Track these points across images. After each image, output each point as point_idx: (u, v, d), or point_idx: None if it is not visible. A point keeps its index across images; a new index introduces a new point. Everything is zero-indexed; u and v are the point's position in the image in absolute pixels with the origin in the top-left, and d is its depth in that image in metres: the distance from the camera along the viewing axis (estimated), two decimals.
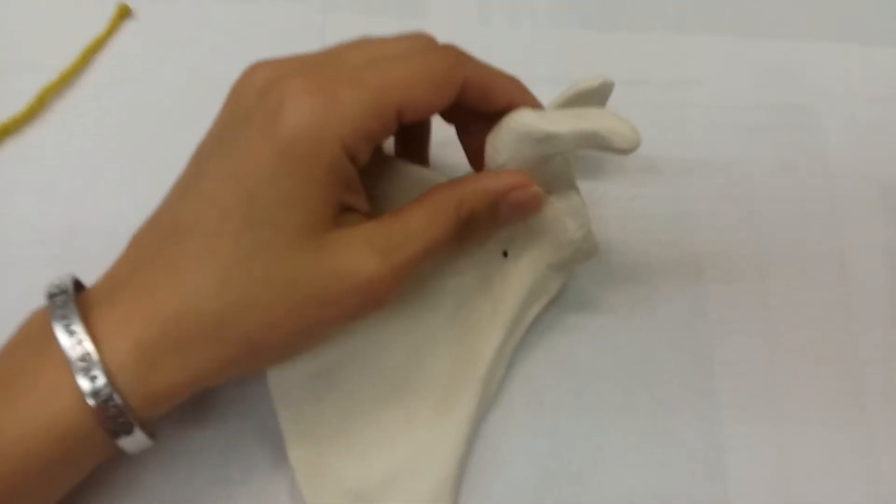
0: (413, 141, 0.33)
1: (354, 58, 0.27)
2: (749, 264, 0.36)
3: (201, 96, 0.29)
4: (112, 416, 0.23)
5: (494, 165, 0.30)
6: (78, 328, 0.23)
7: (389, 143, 0.34)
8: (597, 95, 0.33)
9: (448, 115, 0.30)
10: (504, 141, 0.29)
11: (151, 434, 0.25)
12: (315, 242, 0.25)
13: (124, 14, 0.37)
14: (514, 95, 0.29)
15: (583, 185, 0.36)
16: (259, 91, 0.26)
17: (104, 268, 0.26)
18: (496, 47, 0.39)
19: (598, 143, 0.28)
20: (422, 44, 0.28)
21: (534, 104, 0.30)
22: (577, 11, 0.40)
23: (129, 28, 0.37)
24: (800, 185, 0.37)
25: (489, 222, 0.29)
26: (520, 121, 0.28)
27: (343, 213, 0.26)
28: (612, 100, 0.37)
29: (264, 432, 0.31)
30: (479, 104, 0.29)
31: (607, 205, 0.36)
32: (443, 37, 0.38)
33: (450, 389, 0.31)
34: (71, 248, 0.33)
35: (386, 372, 0.30)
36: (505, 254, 0.32)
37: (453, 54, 0.28)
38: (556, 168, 0.30)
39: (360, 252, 0.26)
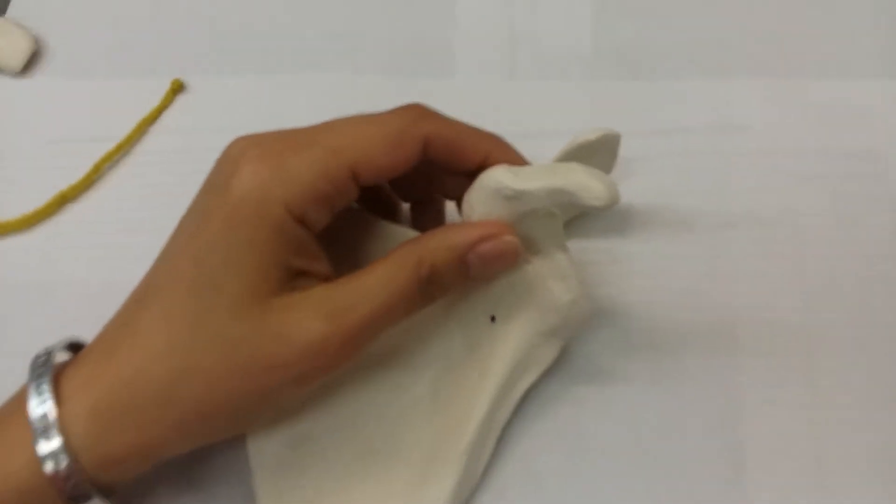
0: (383, 204, 0.33)
1: (324, 125, 0.27)
2: (795, 336, 0.31)
3: None
4: (66, 478, 0.24)
5: (465, 220, 0.28)
6: (46, 388, 0.25)
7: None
8: (603, 148, 0.31)
9: (419, 180, 0.30)
10: (477, 199, 0.28)
11: (111, 497, 0.26)
12: (260, 306, 0.25)
13: (178, 88, 0.40)
14: (490, 151, 0.28)
15: (605, 242, 0.34)
16: (229, 161, 0.27)
17: None
18: (526, 102, 0.38)
19: (570, 200, 0.26)
20: (394, 110, 0.28)
21: (515, 160, 0.28)
22: (609, 61, 0.38)
23: (182, 101, 0.41)
24: (862, 241, 0.32)
25: (458, 279, 0.27)
26: (491, 177, 0.27)
27: (295, 278, 0.26)
28: (647, 150, 0.35)
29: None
30: (449, 162, 0.28)
31: (631, 263, 0.33)
32: (471, 93, 0.38)
33: (429, 463, 0.29)
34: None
35: (364, 443, 0.30)
36: (493, 318, 0.30)
37: (413, 113, 0.27)
38: (539, 227, 0.28)
39: (306, 316, 0.25)
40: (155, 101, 0.40)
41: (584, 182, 0.25)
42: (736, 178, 0.34)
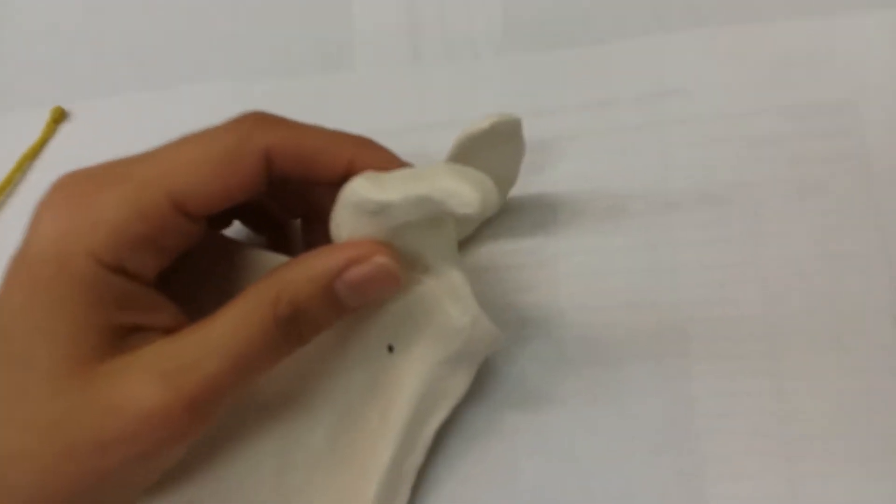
0: (268, 222, 0.29)
1: (143, 154, 0.23)
2: (755, 333, 0.26)
3: None
4: None
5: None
6: None
7: None
8: (503, 137, 0.26)
9: (293, 194, 0.26)
10: (342, 217, 0.23)
11: None
12: (82, 377, 0.21)
13: (59, 117, 0.37)
14: (353, 157, 0.23)
15: (530, 241, 0.29)
16: (36, 210, 0.23)
17: None
18: (434, 88, 0.33)
19: (437, 209, 0.21)
20: (225, 124, 0.24)
21: (385, 163, 0.24)
22: (523, 32, 0.32)
23: (66, 130, 0.37)
24: (830, 212, 0.27)
25: (329, 313, 0.23)
26: (350, 191, 0.23)
27: (127, 336, 0.22)
28: (572, 129, 0.31)
29: None
30: (305, 175, 0.23)
31: (560, 263, 0.29)
32: (374, 84, 0.34)
33: None
34: None
35: None
36: (390, 348, 0.26)
37: (246, 124, 0.23)
38: (425, 240, 0.24)
39: (139, 380, 0.21)
40: (35, 134, 0.37)
41: (451, 187, 0.21)
42: (677, 152, 0.29)
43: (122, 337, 0.22)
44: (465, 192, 0.20)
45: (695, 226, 0.28)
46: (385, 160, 0.24)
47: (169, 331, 0.23)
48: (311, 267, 0.23)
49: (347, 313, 0.24)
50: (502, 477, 0.26)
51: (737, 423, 0.25)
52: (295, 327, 0.22)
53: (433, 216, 0.22)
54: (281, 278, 0.23)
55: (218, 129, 0.23)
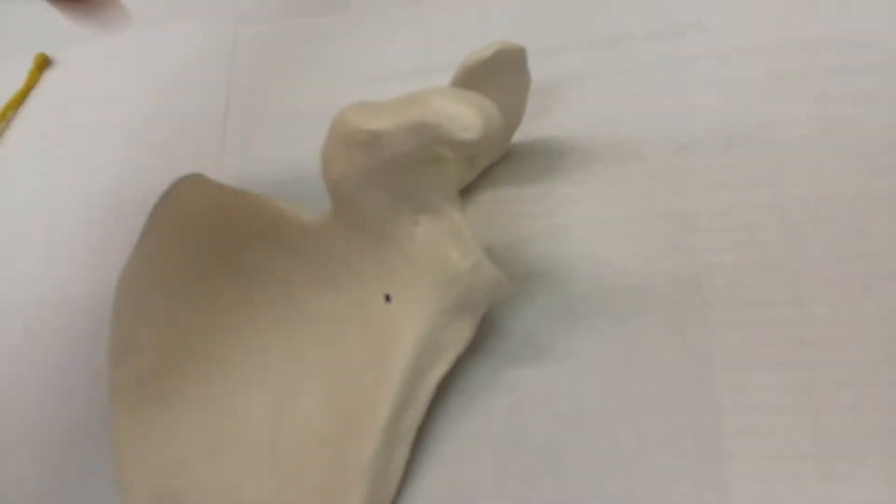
0: None
1: None
2: (776, 280, 0.24)
3: (126, 134, 0.30)
4: None
5: (331, 184, 0.22)
6: None
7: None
8: (505, 69, 0.24)
9: None
10: (332, 150, 0.22)
11: None
12: None
13: (43, 64, 0.35)
14: None
15: (538, 187, 0.28)
16: None
17: None
18: (434, 24, 0.31)
19: (436, 136, 0.19)
20: None
21: None
22: None
23: (50, 77, 0.35)
24: (856, 153, 0.25)
25: None
26: (340, 120, 0.21)
27: None
28: (579, 69, 0.29)
29: None
30: None
31: (570, 210, 0.27)
32: (371, 22, 0.32)
33: (329, 486, 0.24)
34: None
35: (248, 469, 0.24)
36: (387, 298, 0.24)
37: None
38: (423, 177, 0.22)
39: None
40: (19, 82, 0.35)
41: (449, 110, 0.19)
42: (692, 91, 0.27)
43: None
44: (464, 115, 0.19)
45: (713, 169, 0.26)
46: None
47: None
48: None
49: None
50: (507, 435, 0.25)
51: (758, 376, 0.23)
52: None
53: (432, 148, 0.20)
54: None
55: None
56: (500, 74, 0.24)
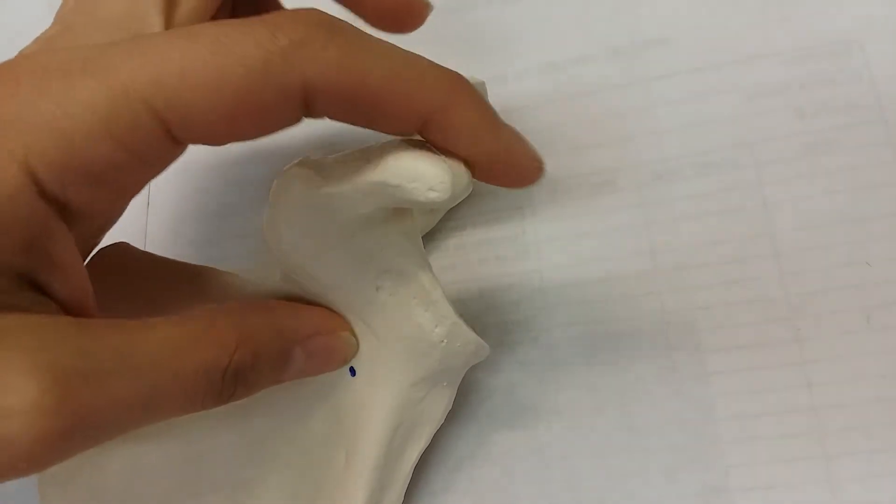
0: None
1: (130, 42, 0.16)
2: (775, 316, 0.22)
3: None
4: None
5: (280, 253, 0.20)
6: None
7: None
8: None
9: None
10: (280, 213, 0.19)
11: None
12: None
13: None
14: (432, 110, 0.16)
15: (505, 228, 0.25)
16: None
17: None
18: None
19: (398, 198, 0.17)
20: (253, 23, 0.16)
21: (478, 121, 0.17)
22: None
23: None
24: (844, 169, 0.23)
25: (271, 376, 0.19)
26: (286, 182, 0.18)
27: (18, 290, 0.16)
28: (541, 93, 0.26)
29: None
30: (361, 123, 0.17)
31: (540, 253, 0.25)
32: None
33: None
34: None
35: None
36: (352, 371, 0.21)
37: (283, 38, 0.15)
38: (380, 238, 0.19)
39: (13, 362, 0.14)
40: None
41: (411, 170, 0.16)
42: (663, 112, 0.25)
43: (13, 288, 0.15)
44: (429, 175, 0.16)
45: (694, 197, 0.24)
46: (479, 116, 0.17)
47: (69, 307, 0.17)
48: (280, 320, 0.19)
49: (277, 383, 0.19)
50: None
51: (763, 424, 0.21)
52: (234, 383, 0.18)
53: (392, 206, 0.18)
54: (246, 322, 0.18)
55: (242, 34, 0.15)
56: None
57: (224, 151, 0.29)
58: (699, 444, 0.22)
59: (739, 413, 0.22)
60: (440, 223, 0.26)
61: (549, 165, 0.26)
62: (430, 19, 0.28)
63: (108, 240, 0.23)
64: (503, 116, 0.26)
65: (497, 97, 0.24)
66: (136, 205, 0.29)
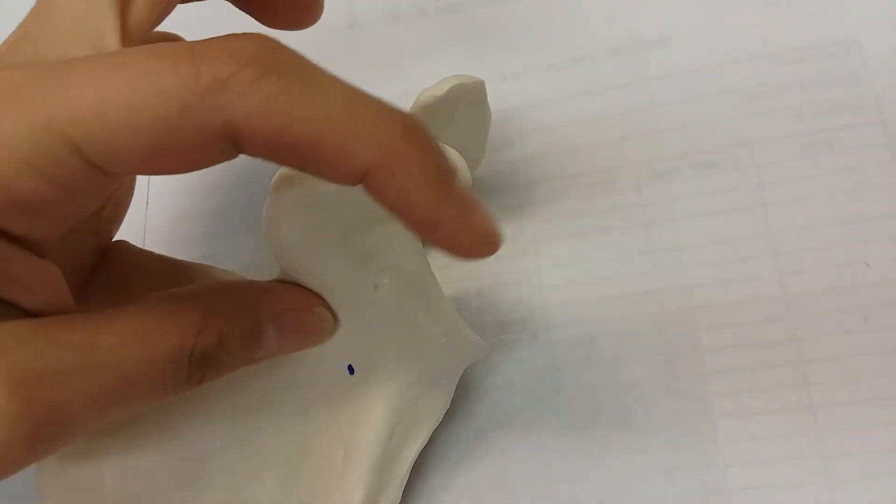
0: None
1: (48, 67, 0.15)
2: (773, 316, 0.22)
3: None
4: None
5: (278, 250, 0.20)
6: None
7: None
8: (464, 103, 0.22)
9: None
10: (280, 211, 0.19)
11: None
12: None
13: None
14: (373, 167, 0.14)
15: (504, 227, 0.25)
16: None
17: None
18: (375, 53, 0.28)
19: None
20: (177, 50, 0.15)
21: (423, 181, 0.15)
22: None
23: None
24: (846, 171, 0.23)
25: (242, 357, 0.19)
26: (286, 179, 0.18)
27: None
28: (541, 94, 0.26)
29: None
30: (295, 167, 0.16)
31: (539, 253, 0.25)
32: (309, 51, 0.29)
33: None
34: None
35: None
36: (350, 370, 0.21)
37: (207, 73, 0.14)
38: (380, 236, 0.19)
39: None
40: None
41: None
42: (663, 112, 0.25)
43: None
44: None
45: (692, 196, 0.24)
46: (413, 195, 0.15)
47: (39, 313, 0.17)
48: (247, 297, 0.18)
49: (249, 364, 0.19)
50: None
51: (762, 423, 0.21)
52: (203, 366, 0.18)
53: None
54: (211, 302, 0.18)
55: (164, 67, 0.14)
56: (457, 111, 0.22)
57: None
58: (697, 444, 0.22)
59: (737, 412, 0.22)
60: None
61: (549, 165, 0.26)
62: (430, 19, 0.28)
63: None
64: (503, 115, 0.26)
65: (497, 98, 0.24)
66: (135, 203, 0.30)
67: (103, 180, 0.16)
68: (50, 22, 0.18)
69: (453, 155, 0.17)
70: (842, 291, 0.22)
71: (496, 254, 0.25)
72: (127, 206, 0.24)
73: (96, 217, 0.22)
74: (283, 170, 0.18)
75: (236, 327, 0.18)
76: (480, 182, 0.26)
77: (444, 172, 0.15)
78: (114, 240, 0.23)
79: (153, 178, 0.30)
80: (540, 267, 0.24)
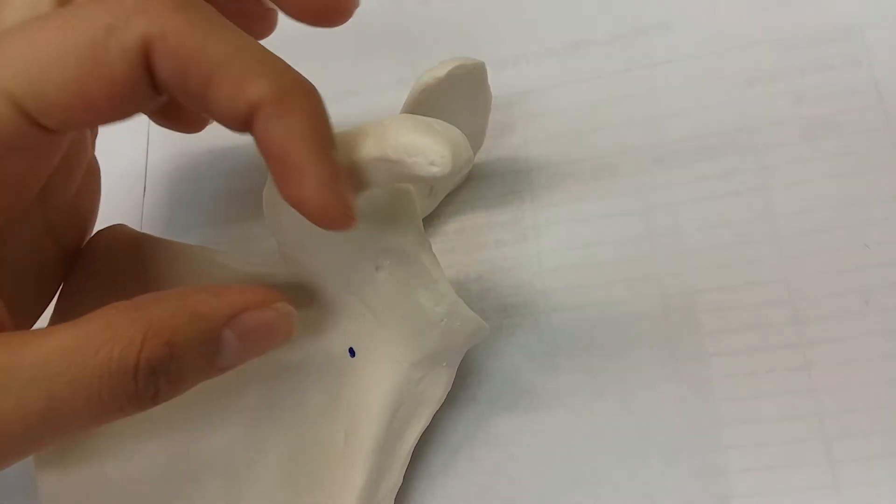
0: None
1: None
2: (774, 298, 0.22)
3: None
4: None
5: (279, 231, 0.19)
6: None
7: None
8: (464, 85, 0.22)
9: None
10: (276, 192, 0.19)
11: None
12: None
13: None
14: (260, 97, 0.16)
15: (506, 212, 0.25)
16: None
17: None
18: (374, 37, 0.28)
19: (398, 173, 0.17)
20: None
21: (310, 127, 0.16)
22: None
23: None
24: (847, 155, 0.23)
25: (200, 370, 0.17)
26: None
27: None
28: (541, 79, 0.26)
29: None
30: (193, 102, 0.17)
31: (540, 238, 0.25)
32: (295, 39, 0.29)
33: None
34: None
35: None
36: (351, 352, 0.21)
37: (129, 2, 0.16)
38: (379, 217, 0.19)
39: None
40: None
41: (412, 144, 0.16)
42: (665, 97, 0.25)
43: None
44: (430, 149, 0.16)
45: (693, 181, 0.24)
46: (304, 131, 0.16)
47: None
48: (196, 304, 0.17)
49: (213, 375, 0.18)
50: (495, 492, 0.22)
51: (763, 406, 0.21)
52: (154, 380, 0.16)
53: (391, 183, 0.18)
54: (152, 315, 0.16)
55: (95, 5, 0.16)
56: (457, 93, 0.22)
57: (223, 136, 0.29)
58: (698, 426, 0.22)
59: (739, 395, 0.22)
60: (440, 207, 0.25)
61: (549, 150, 0.26)
62: (431, 4, 0.28)
63: (104, 224, 0.23)
64: (504, 100, 0.26)
65: (496, 83, 0.24)
66: (132, 190, 0.30)
67: (44, 138, 0.16)
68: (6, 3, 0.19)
69: (457, 133, 0.17)
70: (842, 274, 0.22)
71: (498, 239, 0.25)
72: (93, 205, 0.23)
73: (52, 214, 0.21)
74: None
75: (186, 335, 0.16)
76: (481, 167, 0.26)
77: (328, 133, 0.16)
78: (112, 224, 0.23)
79: (150, 164, 0.29)
80: (540, 251, 0.24)
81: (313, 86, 0.16)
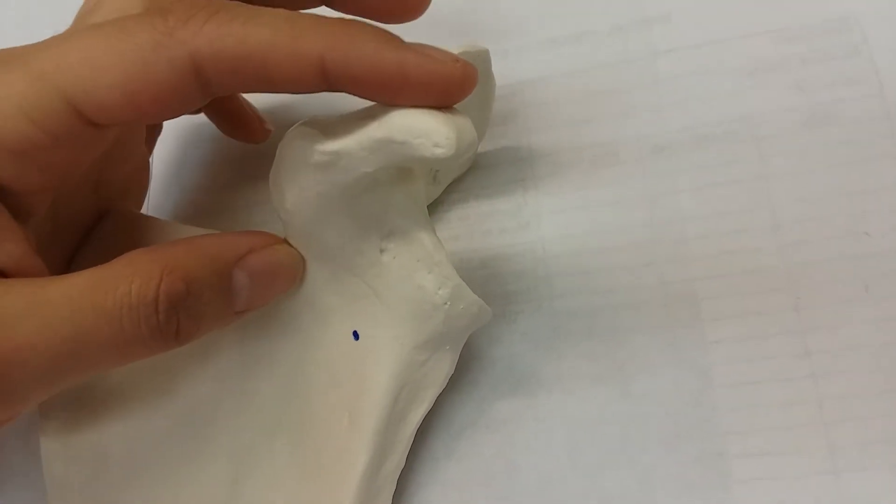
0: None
1: (43, 43, 0.18)
2: (774, 286, 0.22)
3: None
4: None
5: (284, 213, 0.20)
6: None
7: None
8: None
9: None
10: (284, 175, 0.19)
11: None
12: None
13: None
14: (323, 53, 0.17)
15: (508, 200, 0.25)
16: None
17: None
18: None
19: (403, 154, 0.17)
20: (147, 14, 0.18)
21: (374, 60, 0.17)
22: None
23: None
24: (845, 143, 0.23)
25: (218, 309, 0.19)
26: (291, 141, 0.18)
27: None
28: (544, 69, 0.27)
29: None
30: (258, 86, 0.17)
31: (542, 225, 0.25)
32: None
33: None
34: None
35: None
36: (355, 335, 0.21)
37: (171, 17, 0.17)
38: (387, 198, 0.19)
39: None
40: None
41: (417, 125, 0.16)
42: (667, 86, 0.25)
43: None
44: (434, 131, 0.16)
45: (694, 169, 0.24)
46: (373, 56, 0.16)
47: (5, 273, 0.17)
48: (206, 246, 0.19)
49: (232, 318, 0.19)
50: (496, 476, 0.23)
51: (762, 391, 0.22)
52: (174, 318, 0.17)
53: (397, 166, 0.18)
54: (168, 254, 0.18)
55: (139, 22, 0.17)
56: None
57: None
58: (698, 412, 0.22)
59: (738, 381, 0.22)
60: (443, 195, 0.26)
61: (551, 139, 0.26)
62: None
63: None
64: (507, 89, 0.26)
65: (499, 72, 0.24)
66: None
67: (90, 132, 0.17)
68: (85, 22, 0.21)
69: (461, 116, 0.17)
70: (842, 262, 0.22)
71: (500, 227, 0.25)
72: (142, 188, 0.25)
73: (94, 186, 0.22)
74: (289, 134, 0.19)
75: (201, 273, 0.18)
76: (484, 156, 0.26)
77: (391, 35, 0.17)
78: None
79: (156, 153, 0.30)
80: (543, 239, 0.25)
81: (353, 19, 0.17)
